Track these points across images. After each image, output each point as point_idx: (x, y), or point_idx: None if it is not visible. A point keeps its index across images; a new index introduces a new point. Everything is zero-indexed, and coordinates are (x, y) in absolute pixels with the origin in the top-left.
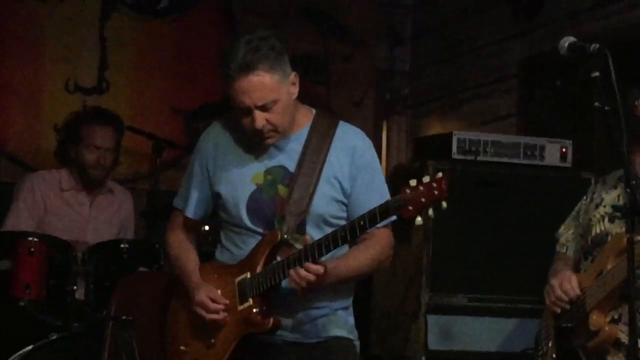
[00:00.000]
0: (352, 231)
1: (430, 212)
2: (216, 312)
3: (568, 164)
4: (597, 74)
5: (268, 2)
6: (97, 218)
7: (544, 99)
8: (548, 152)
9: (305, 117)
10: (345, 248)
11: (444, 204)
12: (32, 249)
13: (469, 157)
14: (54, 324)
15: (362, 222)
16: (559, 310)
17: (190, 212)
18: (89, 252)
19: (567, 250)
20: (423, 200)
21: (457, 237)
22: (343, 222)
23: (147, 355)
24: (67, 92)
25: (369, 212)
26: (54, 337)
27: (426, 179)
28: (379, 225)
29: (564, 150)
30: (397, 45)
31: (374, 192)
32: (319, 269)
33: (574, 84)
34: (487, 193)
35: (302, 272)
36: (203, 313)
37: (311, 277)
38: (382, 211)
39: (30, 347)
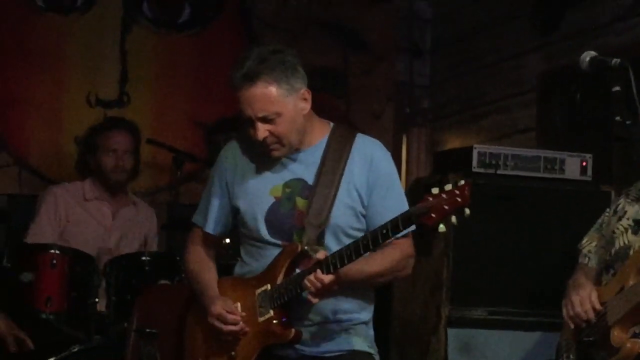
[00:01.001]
0: (375, 240)
1: (454, 219)
2: (234, 323)
3: (588, 178)
4: (617, 88)
5: (288, 17)
6: (120, 229)
7: (564, 112)
8: (568, 166)
9: (323, 130)
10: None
11: (467, 211)
12: (54, 261)
13: (489, 171)
14: (75, 336)
15: (384, 231)
16: (573, 326)
17: (210, 228)
18: (110, 264)
19: (589, 261)
20: (446, 207)
21: (478, 250)
22: (361, 234)
23: None
24: (88, 106)
25: (392, 221)
26: (76, 349)
27: (448, 187)
28: (399, 235)
29: (584, 163)
30: (416, 58)
31: (393, 201)
32: (324, 278)
33: (593, 97)
34: (508, 206)
35: (311, 278)
36: (220, 325)
37: (317, 284)
38: (405, 219)
39: (52, 359)
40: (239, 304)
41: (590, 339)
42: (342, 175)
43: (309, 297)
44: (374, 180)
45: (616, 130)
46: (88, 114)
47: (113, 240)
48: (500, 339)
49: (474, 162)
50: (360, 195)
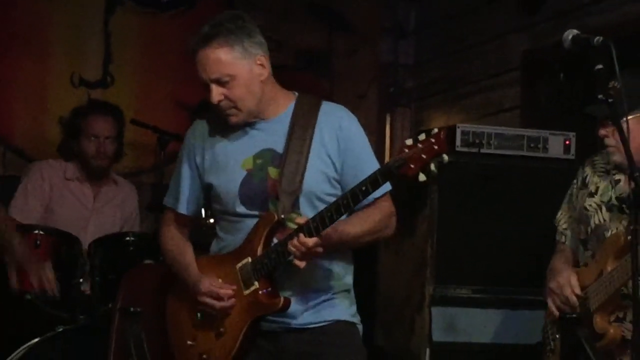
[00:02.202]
0: (355, 198)
1: (433, 167)
2: (225, 299)
3: (571, 156)
4: (600, 66)
5: None
6: (101, 210)
7: (547, 91)
8: (551, 144)
9: (288, 100)
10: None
11: (446, 157)
12: (38, 242)
13: (473, 150)
14: (60, 316)
15: (363, 188)
16: (557, 314)
17: (183, 208)
18: (94, 245)
19: (565, 239)
20: (424, 156)
21: (461, 229)
22: (335, 192)
23: (155, 346)
24: (72, 86)
25: (370, 176)
26: (61, 329)
27: (422, 137)
28: (377, 195)
29: (567, 142)
30: (401, 38)
31: (367, 163)
32: (307, 242)
33: (577, 76)
34: (491, 185)
35: (294, 242)
36: (213, 302)
37: (302, 248)
38: (384, 172)
39: (36, 340)
40: (219, 281)
41: (574, 315)
42: (311, 141)
43: (295, 261)
44: (344, 144)
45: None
46: (72, 94)
47: (94, 220)
48: (484, 318)
49: (458, 141)
50: (332, 161)
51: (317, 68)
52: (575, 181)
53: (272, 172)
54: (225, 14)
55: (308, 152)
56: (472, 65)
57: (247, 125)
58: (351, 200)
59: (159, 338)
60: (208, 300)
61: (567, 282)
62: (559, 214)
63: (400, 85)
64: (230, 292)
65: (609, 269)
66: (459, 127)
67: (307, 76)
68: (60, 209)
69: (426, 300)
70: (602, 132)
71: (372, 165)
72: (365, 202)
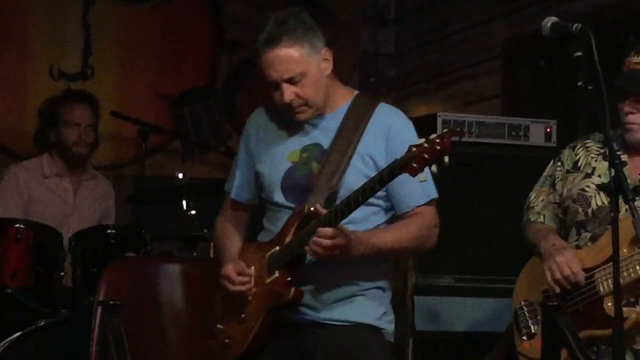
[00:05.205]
0: (364, 194)
1: (434, 168)
2: (241, 284)
3: (553, 144)
4: (579, 53)
5: None
6: (82, 205)
7: (528, 79)
8: (532, 132)
9: (345, 97)
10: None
11: (446, 159)
12: (19, 236)
13: (454, 138)
14: (41, 310)
15: (372, 184)
16: (558, 290)
17: (236, 194)
18: (75, 238)
19: (544, 219)
20: (426, 156)
21: (443, 218)
22: (375, 201)
23: (135, 340)
24: (51, 79)
25: (378, 174)
26: (42, 323)
27: (432, 136)
28: (420, 203)
29: (548, 130)
30: (381, 27)
31: None
32: (327, 231)
33: (557, 64)
34: (473, 173)
35: (315, 238)
36: (228, 285)
37: (325, 242)
38: (389, 171)
39: (18, 334)
40: (253, 268)
41: (555, 303)
42: (358, 141)
43: (310, 252)
44: (393, 148)
45: (580, 96)
46: (52, 87)
47: (76, 215)
48: (467, 306)
49: (439, 130)
50: (376, 163)
51: None
52: (559, 164)
53: (315, 167)
54: (285, 12)
55: (352, 153)
56: (453, 54)
57: None
58: (361, 196)
59: (139, 331)
60: (225, 283)
61: (573, 259)
62: (532, 196)
63: (381, 74)
64: (245, 279)
65: (626, 254)
66: (439, 116)
67: None
68: (40, 209)
69: (408, 290)
70: (627, 108)
71: None
72: (406, 209)
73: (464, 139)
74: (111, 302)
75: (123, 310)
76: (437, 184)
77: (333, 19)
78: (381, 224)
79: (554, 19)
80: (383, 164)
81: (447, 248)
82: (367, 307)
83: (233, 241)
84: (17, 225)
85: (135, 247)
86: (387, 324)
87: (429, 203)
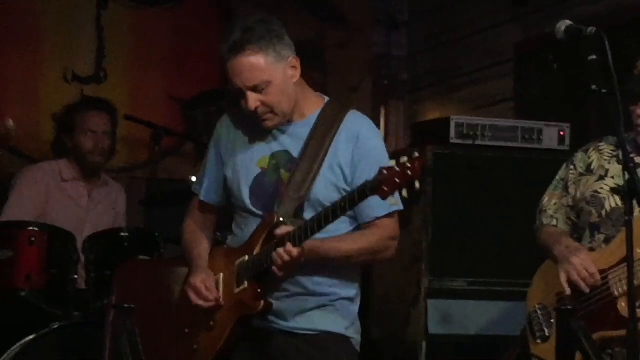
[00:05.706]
0: (334, 213)
1: (404, 192)
2: (206, 300)
3: (566, 147)
4: (593, 57)
5: None
6: (95, 210)
7: (541, 82)
8: (546, 136)
9: (316, 104)
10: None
11: (417, 185)
12: (33, 239)
13: (467, 142)
14: (55, 313)
15: (342, 204)
16: (569, 292)
17: (204, 196)
18: (89, 241)
19: (557, 223)
20: (397, 180)
21: (457, 221)
22: None
23: (148, 343)
24: (64, 82)
25: (349, 193)
26: (56, 326)
27: (403, 159)
28: (379, 214)
29: (561, 133)
30: (394, 30)
31: None
32: (292, 251)
33: (570, 67)
34: (486, 177)
35: (279, 251)
36: (193, 296)
37: (285, 257)
38: (360, 191)
39: (32, 337)
40: (221, 275)
41: (569, 307)
42: (327, 150)
43: (274, 270)
44: (358, 157)
45: (593, 99)
46: (65, 90)
47: (89, 220)
48: (480, 309)
49: (452, 133)
50: (343, 172)
51: (310, 60)
52: (571, 167)
53: (284, 175)
54: (252, 18)
55: (322, 162)
56: (465, 57)
57: None
58: (331, 214)
59: (153, 334)
60: (191, 294)
61: (589, 260)
62: (545, 199)
63: (393, 77)
64: (210, 297)
65: (639, 253)
66: (453, 119)
67: (300, 70)
68: (56, 211)
69: (422, 293)
70: (639, 111)
71: None
72: (367, 219)
73: (477, 142)
74: (125, 305)
75: (135, 312)
76: (451, 187)
77: (345, 22)
78: (348, 232)
79: (568, 22)
80: (349, 171)
81: (460, 251)
82: (335, 317)
83: (200, 247)
84: (31, 228)
85: (148, 250)
86: (355, 334)
87: (390, 215)
